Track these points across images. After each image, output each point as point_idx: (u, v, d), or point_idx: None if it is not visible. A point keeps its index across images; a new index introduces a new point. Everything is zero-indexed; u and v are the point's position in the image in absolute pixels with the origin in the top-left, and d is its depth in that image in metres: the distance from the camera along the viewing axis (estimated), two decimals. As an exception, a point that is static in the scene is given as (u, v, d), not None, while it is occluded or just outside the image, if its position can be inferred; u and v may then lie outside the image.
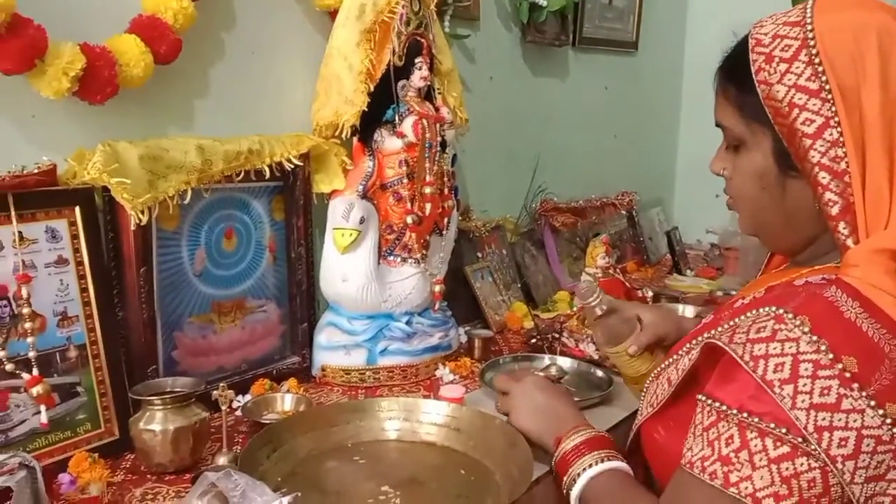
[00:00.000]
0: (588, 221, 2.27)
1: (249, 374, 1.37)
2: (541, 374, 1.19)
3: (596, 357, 1.53)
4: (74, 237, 1.11)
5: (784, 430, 0.71)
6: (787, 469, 0.71)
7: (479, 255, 1.87)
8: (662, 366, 0.95)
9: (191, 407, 1.08)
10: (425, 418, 1.19)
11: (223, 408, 1.07)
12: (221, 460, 1.05)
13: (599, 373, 1.48)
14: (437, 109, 1.48)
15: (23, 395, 1.04)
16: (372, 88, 1.38)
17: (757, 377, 0.73)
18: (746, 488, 0.72)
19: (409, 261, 1.47)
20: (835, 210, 0.77)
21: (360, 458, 1.12)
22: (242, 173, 1.30)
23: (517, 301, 1.89)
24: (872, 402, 0.70)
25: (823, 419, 0.70)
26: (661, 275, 2.38)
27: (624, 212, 2.48)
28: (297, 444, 1.11)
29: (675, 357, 0.93)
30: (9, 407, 1.04)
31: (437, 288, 1.52)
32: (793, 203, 0.84)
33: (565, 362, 1.51)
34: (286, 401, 1.29)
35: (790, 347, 0.72)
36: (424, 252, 1.49)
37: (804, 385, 0.71)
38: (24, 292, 1.04)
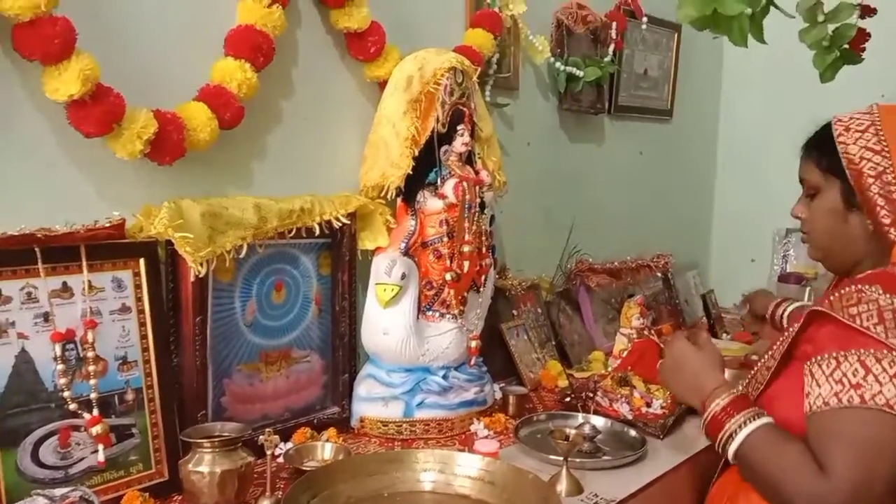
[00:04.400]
0: (623, 283, 2.30)
1: (292, 422, 1.42)
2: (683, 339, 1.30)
3: (629, 417, 1.55)
4: (138, 287, 1.20)
5: (887, 352, 1.02)
6: None
7: (515, 312, 1.91)
8: (762, 359, 1.25)
9: (237, 451, 1.14)
10: (460, 471, 1.22)
11: (268, 452, 1.12)
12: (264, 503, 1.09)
13: (633, 433, 1.50)
14: (476, 173, 1.55)
15: (83, 433, 1.11)
16: (416, 153, 1.46)
17: (858, 326, 1.05)
18: (881, 400, 1.01)
19: (447, 316, 1.53)
20: (887, 220, 1.15)
21: (396, 508, 1.16)
22: (294, 230, 1.38)
23: (552, 359, 1.92)
24: None
25: None
26: (697, 338, 2.38)
27: (659, 274, 2.50)
28: (336, 492, 1.14)
29: (767, 355, 1.23)
30: (70, 444, 1.11)
31: (474, 343, 1.56)
32: (851, 230, 1.21)
33: (599, 421, 1.53)
34: (326, 449, 1.34)
35: (872, 305, 1.07)
36: (462, 308, 1.54)
37: (889, 324, 1.05)
38: (89, 337, 1.13)
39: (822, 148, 1.23)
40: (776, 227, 2.67)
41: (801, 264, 2.59)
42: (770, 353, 1.23)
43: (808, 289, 2.33)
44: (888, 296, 1.07)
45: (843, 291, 1.11)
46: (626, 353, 1.85)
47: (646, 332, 1.92)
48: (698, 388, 1.20)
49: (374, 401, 1.48)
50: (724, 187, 2.95)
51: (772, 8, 1.18)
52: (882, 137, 1.18)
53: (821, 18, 1.41)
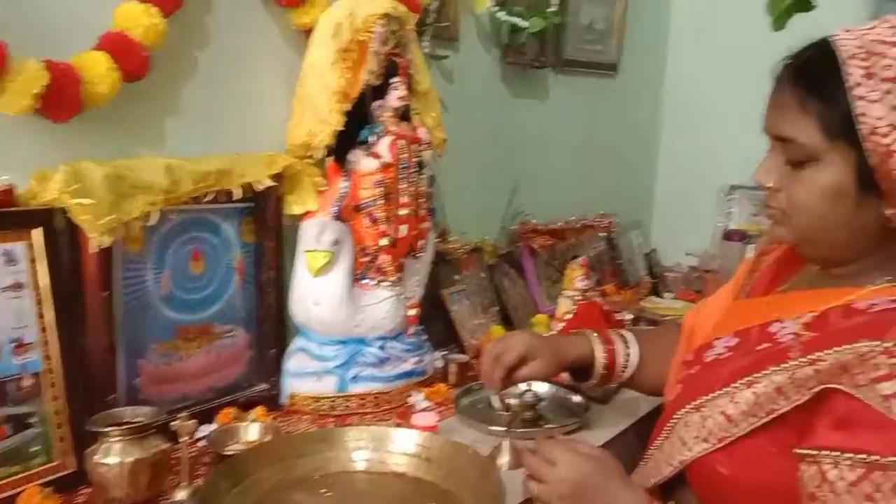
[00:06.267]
0: (567, 243, 2.25)
1: (215, 402, 1.32)
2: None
3: (573, 382, 1.50)
4: (33, 260, 1.07)
5: None
6: None
7: (457, 277, 1.84)
8: (708, 396, 0.89)
9: (149, 438, 1.04)
10: (395, 448, 1.15)
11: (182, 439, 1.03)
12: (180, 495, 1.00)
13: (576, 398, 1.46)
14: (414, 130, 1.46)
15: (-28, 426, 1.00)
16: (347, 108, 1.36)
17: None
18: None
19: (384, 284, 1.44)
20: None
21: (326, 491, 1.09)
22: (212, 194, 1.26)
23: (495, 325, 1.86)
24: None
25: None
26: (640, 297, 2.37)
27: (603, 234, 2.46)
28: (262, 476, 1.07)
29: (724, 389, 0.87)
30: (-43, 439, 0.99)
31: (412, 311, 1.49)
32: (863, 220, 0.83)
33: (542, 388, 1.48)
34: (252, 430, 1.25)
35: None
36: (399, 275, 1.46)
37: None
38: (-24, 318, 1.01)
39: (830, 93, 0.80)
40: (721, 182, 2.65)
41: (744, 221, 2.59)
42: (726, 394, 0.87)
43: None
44: None
45: (853, 347, 0.75)
46: (569, 315, 1.81)
47: (589, 294, 1.88)
48: None
49: (305, 376, 1.39)
50: (670, 144, 2.90)
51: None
52: None
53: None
